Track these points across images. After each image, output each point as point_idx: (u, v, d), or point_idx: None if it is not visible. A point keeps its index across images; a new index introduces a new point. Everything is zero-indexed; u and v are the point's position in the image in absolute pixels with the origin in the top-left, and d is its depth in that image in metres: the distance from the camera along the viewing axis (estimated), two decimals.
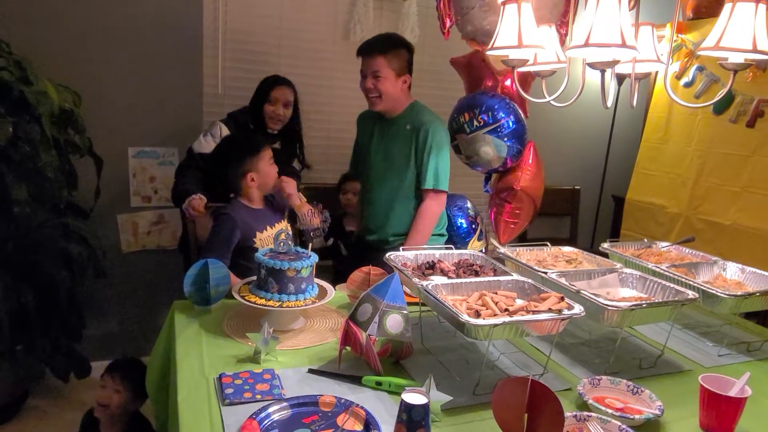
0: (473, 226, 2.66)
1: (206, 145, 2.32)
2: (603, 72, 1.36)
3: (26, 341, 2.30)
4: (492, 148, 2.52)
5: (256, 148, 1.97)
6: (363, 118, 2.45)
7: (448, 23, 2.64)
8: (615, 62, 1.33)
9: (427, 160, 2.19)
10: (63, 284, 2.34)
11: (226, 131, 2.34)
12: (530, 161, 2.64)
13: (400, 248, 1.69)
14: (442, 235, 2.39)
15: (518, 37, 1.40)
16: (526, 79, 2.52)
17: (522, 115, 2.56)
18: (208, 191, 2.20)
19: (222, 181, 2.01)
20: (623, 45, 1.23)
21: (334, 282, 1.71)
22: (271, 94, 2.37)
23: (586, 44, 1.24)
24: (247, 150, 1.95)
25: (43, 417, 2.50)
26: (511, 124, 2.50)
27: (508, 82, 2.60)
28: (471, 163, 2.64)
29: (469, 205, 2.72)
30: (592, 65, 1.35)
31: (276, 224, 2.00)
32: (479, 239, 2.68)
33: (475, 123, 2.52)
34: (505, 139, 2.51)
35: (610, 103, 1.47)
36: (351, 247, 2.63)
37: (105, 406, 1.79)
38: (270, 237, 1.95)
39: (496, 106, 2.49)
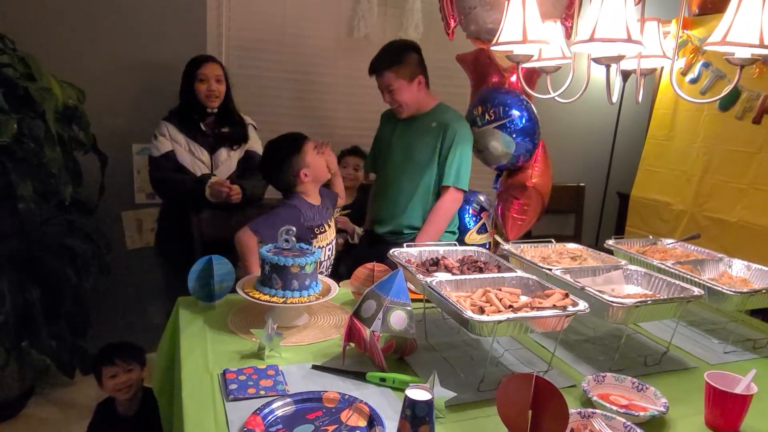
0: (474, 219, 2.66)
1: (162, 145, 2.31)
2: (608, 67, 1.35)
3: (32, 337, 2.31)
4: (500, 144, 2.52)
5: (297, 144, 1.99)
6: (387, 115, 2.47)
7: (452, 24, 2.65)
8: (620, 57, 1.32)
9: (450, 158, 2.22)
10: (68, 281, 2.35)
11: (172, 127, 2.32)
12: (539, 158, 2.64)
13: (411, 242, 1.70)
14: (453, 232, 2.41)
15: (523, 32, 1.40)
16: (532, 76, 2.52)
17: (535, 114, 2.56)
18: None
19: (278, 185, 2.05)
20: (629, 40, 1.22)
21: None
22: (200, 72, 2.34)
23: (591, 39, 1.23)
24: (290, 149, 1.98)
25: (49, 412, 2.51)
26: (521, 120, 2.50)
27: (513, 78, 2.60)
28: (482, 157, 2.65)
29: (482, 198, 2.72)
30: (597, 60, 1.34)
31: (330, 221, 2.05)
32: (479, 232, 2.68)
33: (487, 117, 2.53)
34: (514, 135, 2.50)
35: (615, 98, 1.46)
36: (360, 240, 2.63)
37: (129, 387, 1.82)
38: (326, 237, 2.03)
39: (508, 102, 2.49)
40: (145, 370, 1.88)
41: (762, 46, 1.23)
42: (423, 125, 2.28)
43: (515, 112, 2.49)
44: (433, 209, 2.27)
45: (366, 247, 2.43)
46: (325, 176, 2.05)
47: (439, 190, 2.28)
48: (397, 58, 2.19)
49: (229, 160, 2.38)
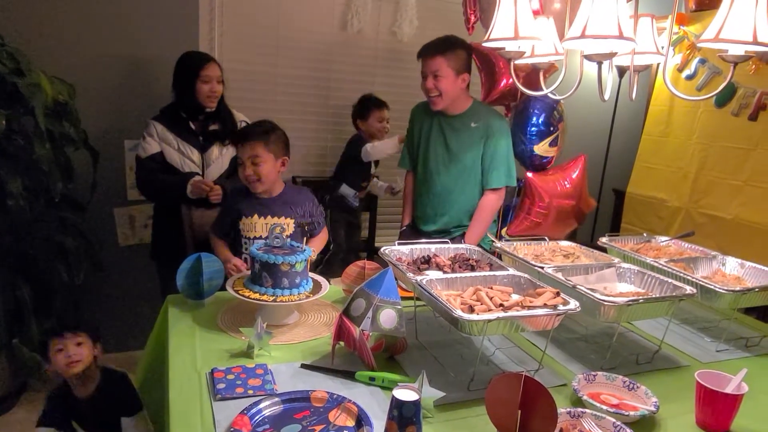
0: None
1: (149, 147, 2.28)
2: (599, 64, 1.34)
3: (22, 334, 2.29)
4: None
5: (235, 139, 2.01)
6: (419, 110, 2.48)
7: (473, 18, 2.65)
8: (612, 54, 1.31)
9: (500, 160, 2.30)
10: (59, 278, 2.33)
11: (161, 127, 2.29)
12: (575, 175, 2.66)
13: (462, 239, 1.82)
14: (494, 221, 2.52)
15: (514, 28, 1.38)
16: (538, 73, 2.53)
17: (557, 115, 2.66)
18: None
19: None
20: (620, 37, 1.21)
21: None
22: (204, 73, 2.30)
23: (583, 36, 1.22)
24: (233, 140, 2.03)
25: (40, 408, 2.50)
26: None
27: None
28: None
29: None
30: (589, 57, 1.33)
31: (271, 216, 1.97)
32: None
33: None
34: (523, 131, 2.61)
35: (607, 96, 1.45)
36: (403, 235, 2.62)
37: (77, 362, 1.66)
38: (254, 225, 1.96)
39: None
40: (98, 347, 1.74)
41: (755, 43, 1.22)
42: (463, 125, 2.31)
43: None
44: (482, 208, 2.35)
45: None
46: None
47: (482, 187, 2.35)
48: (451, 47, 2.23)
49: (220, 158, 2.36)
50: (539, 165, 2.75)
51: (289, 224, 1.97)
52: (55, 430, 1.72)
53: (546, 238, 1.88)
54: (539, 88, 1.67)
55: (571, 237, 3.08)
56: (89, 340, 1.71)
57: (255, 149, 1.88)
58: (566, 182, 2.75)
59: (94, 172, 2.47)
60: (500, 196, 2.40)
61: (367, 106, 2.91)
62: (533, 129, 2.65)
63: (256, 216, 1.95)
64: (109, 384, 1.71)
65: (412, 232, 2.52)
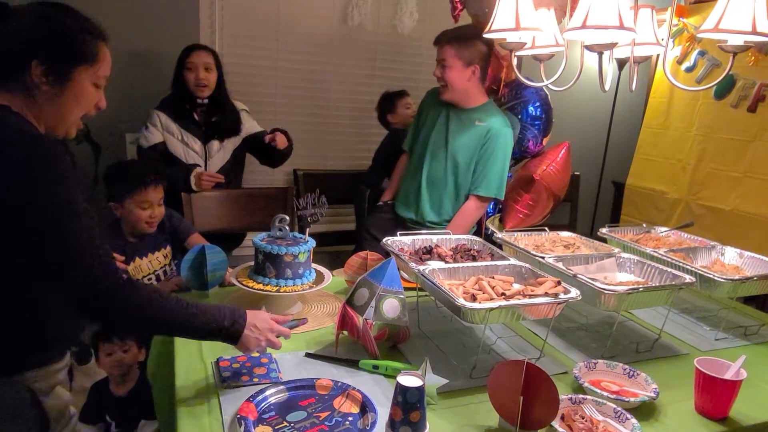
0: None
1: (152, 136, 2.29)
2: (600, 55, 1.35)
3: None
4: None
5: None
6: (432, 95, 2.42)
7: (459, 6, 2.65)
8: (613, 45, 1.32)
9: (494, 168, 2.23)
10: None
11: (164, 117, 2.30)
12: (560, 158, 2.65)
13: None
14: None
15: (516, 19, 1.39)
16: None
17: (549, 103, 2.60)
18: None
19: None
20: (621, 27, 1.22)
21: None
22: (188, 61, 2.29)
23: (584, 26, 1.23)
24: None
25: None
26: (533, 107, 2.56)
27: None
28: None
29: None
30: (590, 48, 1.34)
31: (151, 253, 1.93)
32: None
33: (502, 99, 2.60)
34: (520, 116, 2.51)
35: (608, 86, 1.46)
36: (380, 208, 2.61)
37: (120, 365, 1.82)
38: (139, 267, 1.90)
39: (522, 85, 2.51)
40: (142, 352, 1.87)
41: (755, 32, 1.23)
42: (468, 120, 2.25)
43: (528, 96, 2.55)
44: (462, 214, 2.28)
45: (386, 221, 2.43)
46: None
47: (468, 190, 2.28)
48: (463, 37, 2.18)
49: (222, 149, 2.37)
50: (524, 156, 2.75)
51: (167, 253, 1.96)
52: (94, 428, 1.83)
53: (546, 228, 1.89)
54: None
55: (571, 229, 3.09)
56: (135, 346, 1.84)
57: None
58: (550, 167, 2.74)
59: (96, 165, 2.48)
60: (484, 206, 2.32)
61: (391, 98, 2.94)
62: (536, 122, 2.64)
63: (137, 259, 1.88)
64: (144, 386, 1.77)
65: (389, 211, 2.49)
